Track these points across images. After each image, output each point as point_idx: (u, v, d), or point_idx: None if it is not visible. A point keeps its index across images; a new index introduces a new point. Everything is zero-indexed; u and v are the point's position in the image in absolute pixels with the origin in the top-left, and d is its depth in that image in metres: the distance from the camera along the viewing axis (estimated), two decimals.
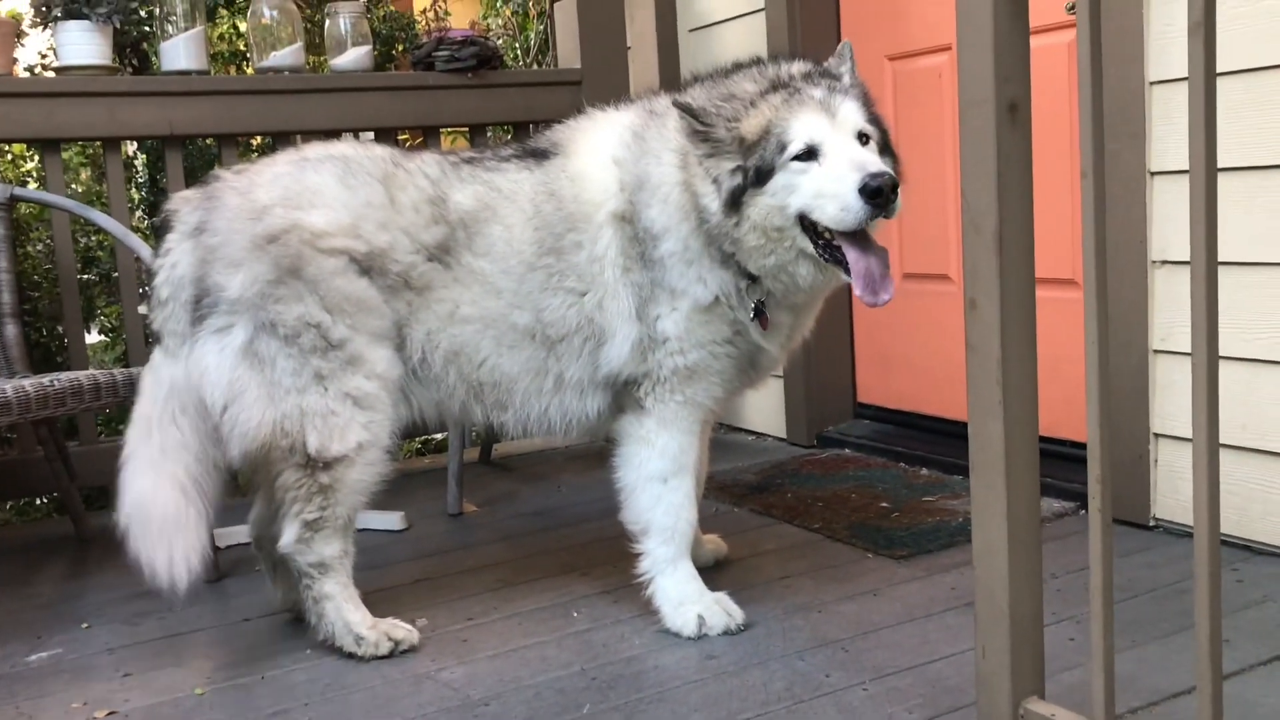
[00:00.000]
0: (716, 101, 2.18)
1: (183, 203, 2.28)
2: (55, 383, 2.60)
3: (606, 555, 2.71)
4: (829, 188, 2.04)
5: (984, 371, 1.52)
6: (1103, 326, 1.40)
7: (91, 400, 2.65)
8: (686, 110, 2.15)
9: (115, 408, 2.83)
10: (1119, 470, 2.74)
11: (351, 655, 2.25)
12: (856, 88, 2.22)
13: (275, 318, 2.15)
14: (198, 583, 2.72)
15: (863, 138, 2.11)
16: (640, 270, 2.24)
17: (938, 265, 3.46)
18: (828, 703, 1.95)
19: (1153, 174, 2.58)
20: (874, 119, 2.19)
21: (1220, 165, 2.33)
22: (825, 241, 2.11)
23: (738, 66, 2.29)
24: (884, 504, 3.05)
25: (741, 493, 3.26)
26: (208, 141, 4.59)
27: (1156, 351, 2.64)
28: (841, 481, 3.31)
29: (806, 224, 2.10)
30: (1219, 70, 2.34)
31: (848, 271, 2.09)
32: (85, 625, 2.56)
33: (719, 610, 2.28)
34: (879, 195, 1.97)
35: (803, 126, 2.08)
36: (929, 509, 2.98)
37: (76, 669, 2.32)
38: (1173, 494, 2.66)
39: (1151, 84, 2.56)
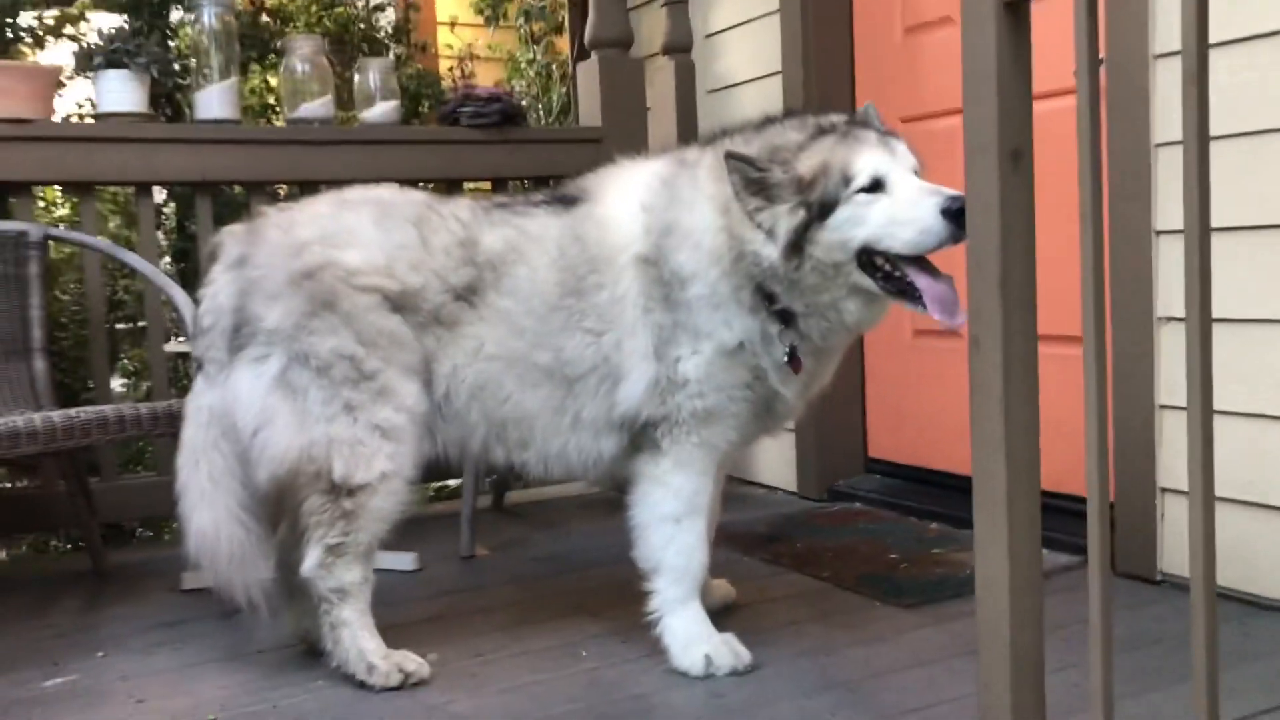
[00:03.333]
0: (764, 149, 2.24)
1: (229, 236, 2.40)
2: (81, 414, 2.66)
3: (616, 598, 2.73)
4: (905, 214, 2.11)
5: (987, 409, 1.57)
6: (1100, 365, 1.44)
7: (116, 432, 2.71)
8: (740, 158, 2.19)
9: (137, 440, 2.89)
10: (1126, 525, 2.76)
11: (363, 685, 2.27)
12: (896, 134, 2.31)
13: (309, 349, 2.24)
14: (212, 616, 2.80)
15: (916, 174, 2.20)
16: (662, 311, 2.28)
17: None
18: None
19: (1158, 233, 2.64)
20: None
21: (1224, 224, 2.42)
22: (885, 274, 2.18)
23: (770, 120, 2.35)
24: (893, 555, 3.08)
25: (751, 542, 3.29)
26: (236, 190, 4.70)
27: (1163, 407, 2.68)
28: (851, 533, 3.33)
29: (864, 259, 2.17)
30: (1220, 133, 2.42)
31: (913, 299, 2.16)
32: (100, 654, 2.59)
33: (726, 650, 2.30)
34: (961, 216, 1.90)
35: (867, 160, 2.15)
36: (937, 561, 3.00)
37: (91, 694, 2.35)
38: (1179, 549, 2.68)
39: (1157, 146, 2.63)
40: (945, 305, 2.14)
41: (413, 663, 2.31)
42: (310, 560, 2.27)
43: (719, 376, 2.29)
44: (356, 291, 2.26)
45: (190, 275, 4.97)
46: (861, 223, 2.13)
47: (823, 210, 2.15)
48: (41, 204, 5.29)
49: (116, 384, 5.26)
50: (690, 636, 2.32)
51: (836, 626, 2.57)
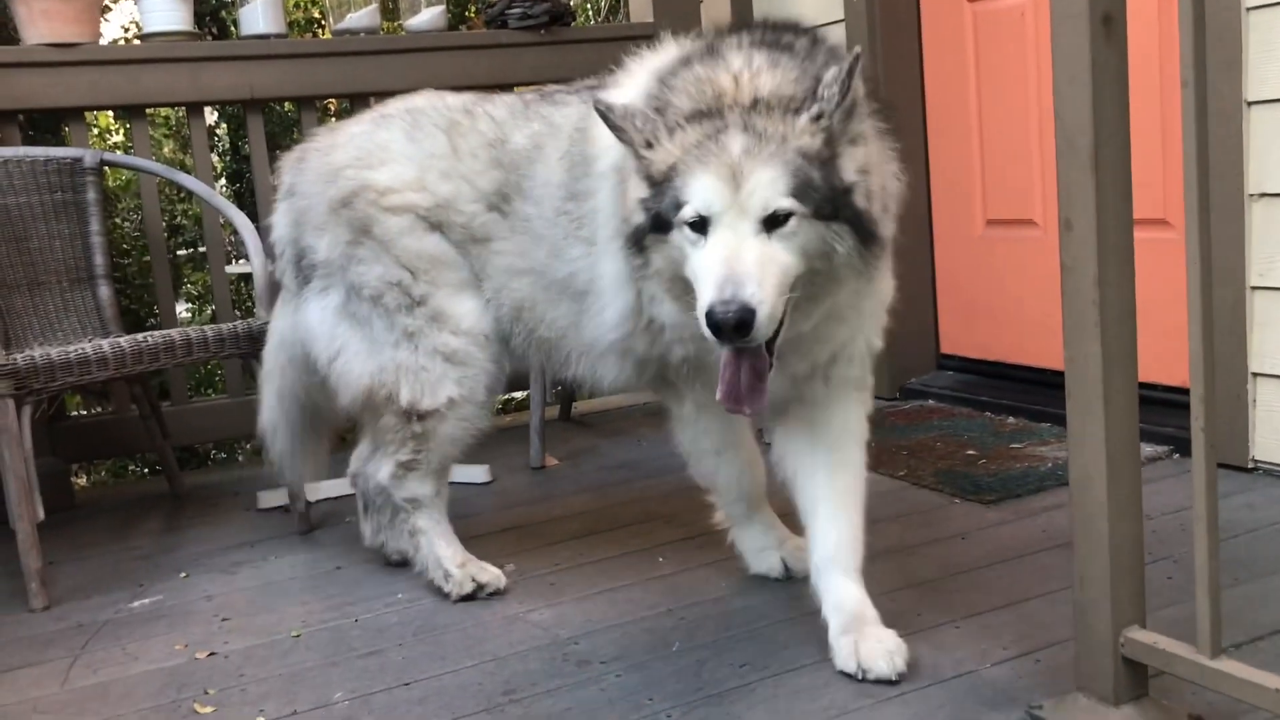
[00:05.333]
0: (648, 110, 1.80)
1: (284, 163, 2.37)
2: (148, 339, 2.66)
3: (689, 504, 2.69)
4: (698, 287, 1.70)
5: (1080, 292, 1.49)
6: (1206, 246, 1.36)
7: (183, 355, 2.70)
8: (603, 114, 1.81)
9: (206, 363, 2.89)
10: (1217, 411, 2.66)
11: (441, 593, 2.30)
12: (807, 136, 1.70)
13: (359, 279, 2.21)
14: (290, 534, 2.83)
15: (774, 220, 1.67)
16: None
17: (1022, 210, 3.39)
18: (920, 640, 1.93)
19: (1249, 104, 2.50)
20: (825, 178, 1.69)
21: None
22: None
23: (712, 50, 1.84)
24: (970, 451, 3.01)
25: None
26: (287, 107, 4.65)
27: (1254, 288, 2.56)
28: (926, 431, 3.27)
29: None
30: None
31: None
32: (183, 575, 2.62)
33: (802, 556, 2.25)
34: (719, 332, 1.62)
35: (700, 190, 1.69)
36: (1016, 455, 2.93)
37: (177, 614, 2.39)
38: (1273, 434, 2.59)
39: (1248, 10, 2.47)
40: (731, 390, 1.73)
41: (487, 574, 2.32)
42: (384, 471, 2.31)
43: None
44: (388, 213, 2.19)
45: (246, 196, 4.96)
46: (687, 259, 1.74)
47: (658, 224, 1.77)
48: (95, 131, 5.29)
49: (181, 309, 5.30)
50: (763, 544, 2.28)
51: (915, 525, 2.52)
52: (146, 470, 4.44)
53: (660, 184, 1.75)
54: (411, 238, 2.20)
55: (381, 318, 2.21)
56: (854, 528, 1.99)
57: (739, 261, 1.64)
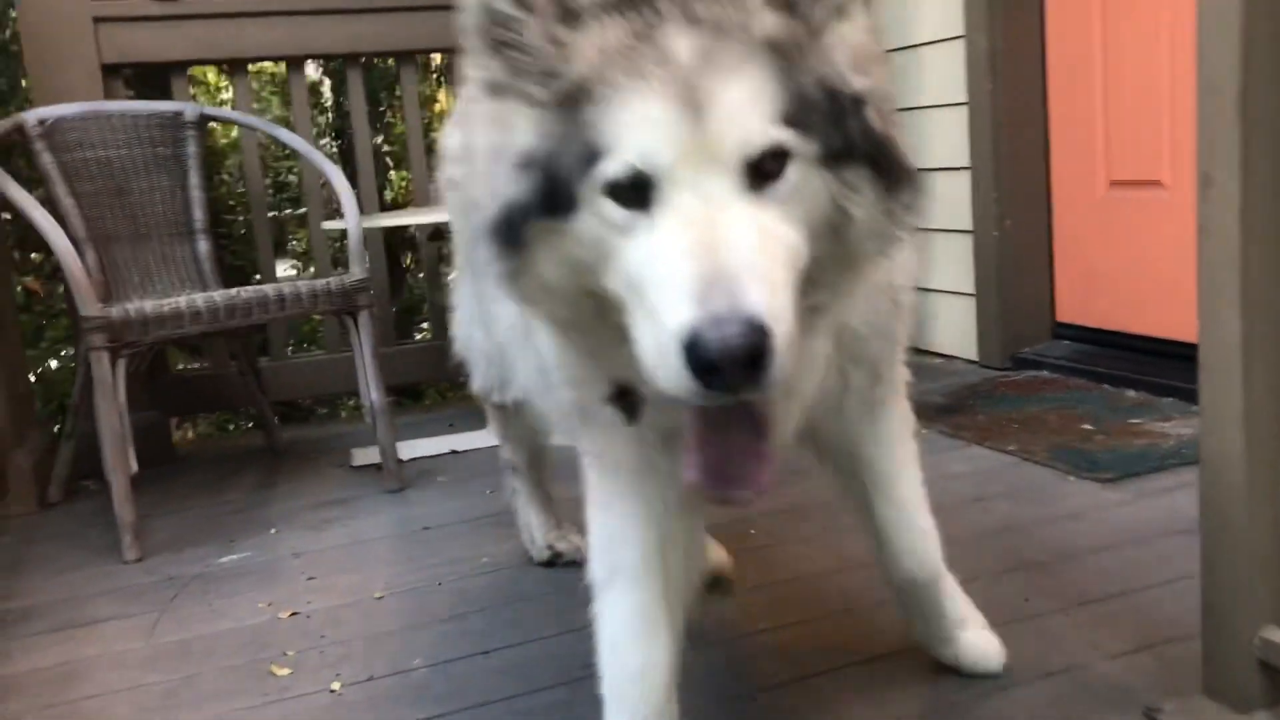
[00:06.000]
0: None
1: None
2: (242, 293, 2.65)
3: (784, 473, 2.60)
4: (642, 300, 1.02)
5: (1220, 256, 1.34)
6: None
7: (277, 310, 2.69)
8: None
9: (301, 318, 2.88)
10: None
11: (527, 556, 2.29)
12: (773, 15, 1.06)
13: (478, 263, 1.62)
14: (381, 492, 2.81)
15: (761, 170, 1.03)
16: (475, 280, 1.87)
17: (1148, 170, 3.17)
18: (1027, 628, 1.81)
19: None
20: (821, 87, 1.06)
21: None
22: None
23: None
24: (1086, 426, 2.84)
25: (929, 414, 3.09)
26: (389, 63, 4.63)
27: None
28: (1038, 403, 3.10)
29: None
30: None
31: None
32: (274, 530, 2.62)
33: None
34: (712, 374, 0.96)
35: (635, 129, 1.02)
36: (1136, 431, 2.75)
37: (264, 571, 2.38)
38: None
39: None
40: (714, 472, 1.14)
41: (566, 543, 2.27)
42: (488, 431, 2.32)
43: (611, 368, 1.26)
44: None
45: (348, 152, 4.97)
46: (608, 255, 1.06)
47: (551, 199, 1.07)
48: (205, 88, 5.35)
49: (285, 268, 5.35)
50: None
51: (1026, 503, 2.38)
52: (250, 424, 4.49)
53: (552, 130, 1.06)
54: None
55: (464, 294, 2.10)
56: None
57: (725, 246, 0.99)
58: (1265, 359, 1.33)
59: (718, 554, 2.04)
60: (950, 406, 3.16)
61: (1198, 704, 1.47)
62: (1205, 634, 1.46)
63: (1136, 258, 3.25)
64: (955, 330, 3.77)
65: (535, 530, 2.28)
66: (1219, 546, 1.41)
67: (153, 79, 4.00)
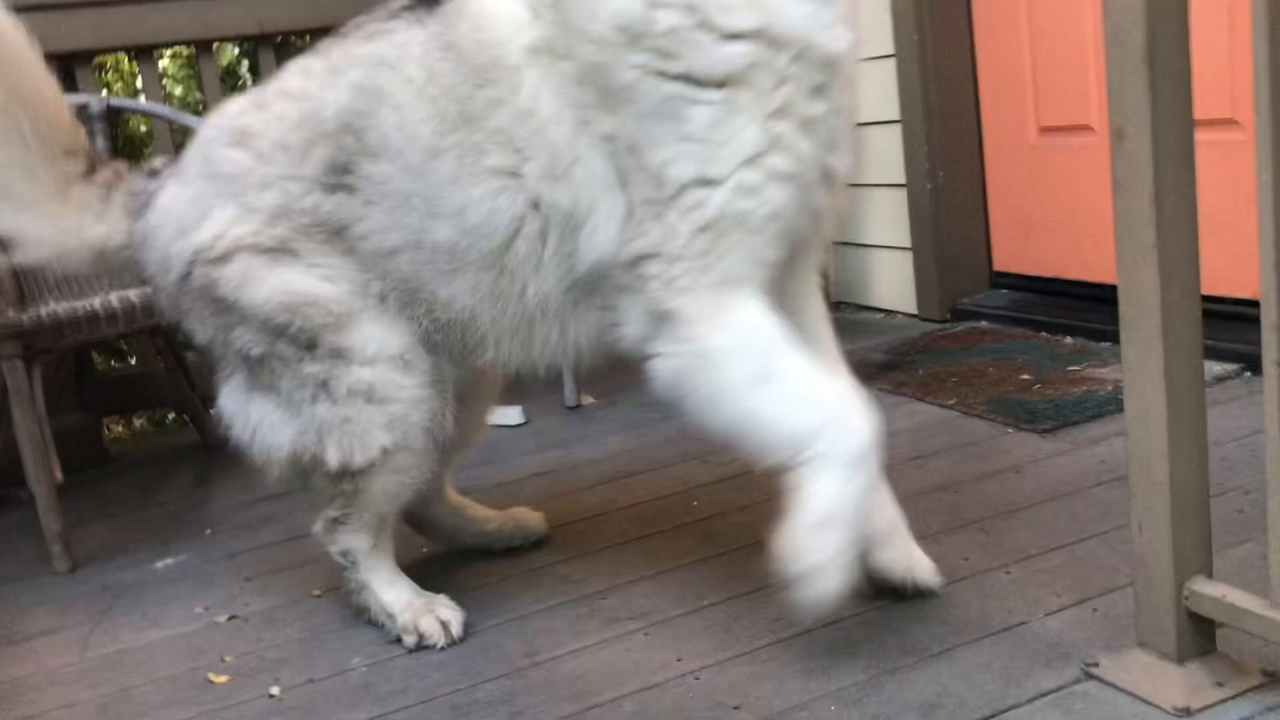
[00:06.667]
0: None
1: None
2: None
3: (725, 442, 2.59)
4: None
5: (1134, 211, 1.32)
6: (1277, 140, 1.19)
7: None
8: None
9: None
10: None
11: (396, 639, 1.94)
12: None
13: (245, 347, 1.83)
14: None
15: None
16: (607, 114, 1.59)
17: (1078, 115, 3.17)
18: (967, 588, 1.81)
19: None
20: None
21: None
22: None
23: None
24: (1025, 376, 2.85)
25: (870, 372, 3.09)
26: (307, 38, 4.52)
27: None
28: (978, 355, 3.10)
29: None
30: None
31: None
32: (209, 531, 2.57)
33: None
34: None
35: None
36: (1074, 379, 2.76)
37: (200, 575, 2.33)
38: None
39: None
40: None
41: (430, 621, 1.90)
42: (316, 525, 1.98)
43: (740, 153, 1.54)
44: (220, 265, 1.80)
45: None
46: None
47: None
48: (118, 73, 5.20)
49: None
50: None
51: (965, 458, 2.38)
52: (186, 422, 4.41)
53: None
54: (253, 286, 1.79)
55: (286, 373, 1.82)
56: None
57: None
58: (1183, 314, 1.32)
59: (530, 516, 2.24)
60: (890, 363, 3.16)
61: (1132, 657, 1.48)
62: (1137, 589, 1.46)
63: (1070, 203, 3.25)
64: (894, 284, 3.76)
65: (393, 607, 1.94)
66: (1146, 504, 1.40)
67: (59, 70, 3.87)
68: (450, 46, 1.67)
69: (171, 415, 4.50)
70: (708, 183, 1.55)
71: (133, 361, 3.70)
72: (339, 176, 1.75)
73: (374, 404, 1.81)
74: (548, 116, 1.62)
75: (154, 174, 1.97)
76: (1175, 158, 1.30)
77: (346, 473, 1.86)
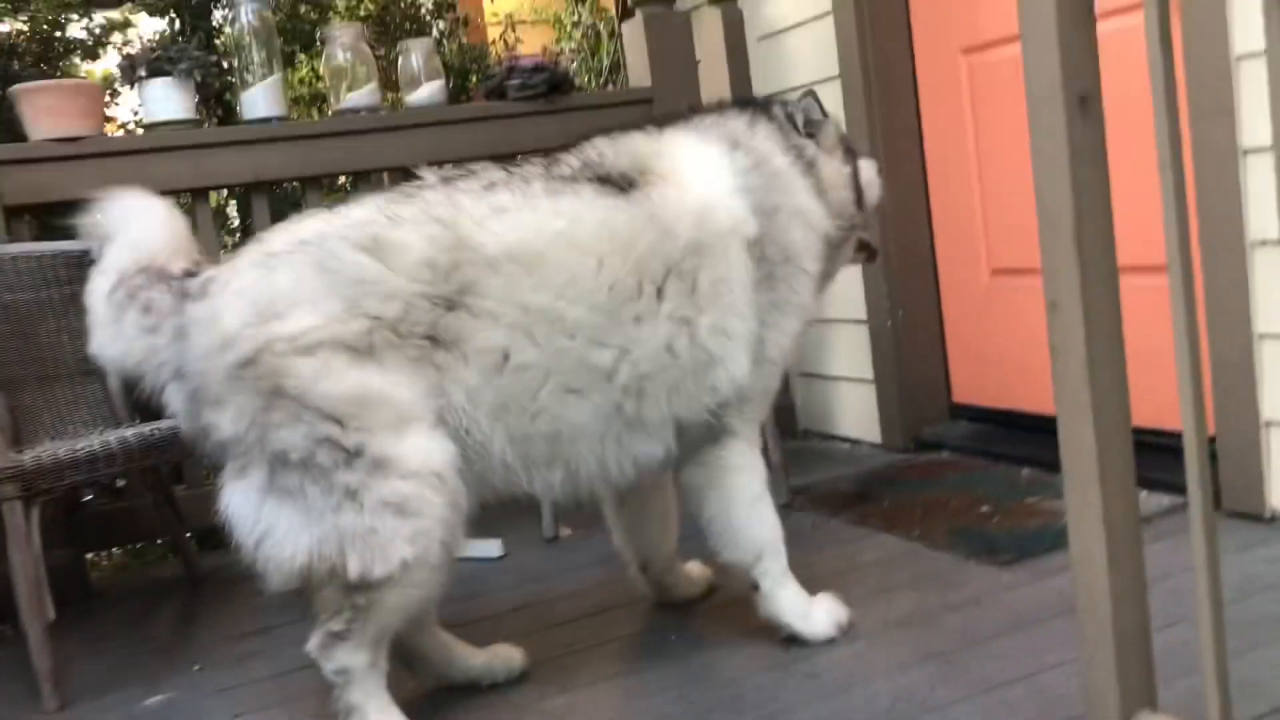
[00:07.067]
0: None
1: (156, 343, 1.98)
2: (156, 432, 2.67)
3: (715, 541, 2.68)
4: None
5: (1070, 374, 1.47)
6: (1190, 305, 1.35)
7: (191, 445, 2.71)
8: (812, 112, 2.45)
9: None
10: (1231, 461, 2.63)
11: None
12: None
13: (282, 445, 1.89)
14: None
15: None
16: (764, 291, 2.22)
17: (1026, 259, 3.35)
18: (935, 719, 1.90)
19: (1245, 151, 2.48)
20: None
21: None
22: None
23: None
24: (985, 508, 2.98)
25: (837, 503, 3.21)
26: (294, 185, 4.69)
27: (1262, 336, 2.53)
28: (940, 486, 3.24)
29: None
30: None
31: None
32: (197, 667, 2.62)
33: (837, 606, 2.33)
34: None
35: None
36: (1032, 511, 2.90)
37: (190, 711, 2.38)
38: None
39: (1238, 58, 2.46)
40: None
41: None
42: (312, 641, 2.01)
43: (793, 350, 2.34)
44: (302, 357, 1.88)
45: None
46: None
47: None
48: None
49: None
50: (806, 604, 2.30)
51: (930, 591, 2.49)
52: (167, 554, 4.44)
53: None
54: (332, 380, 1.88)
55: (317, 480, 1.88)
56: None
57: None
58: (1118, 467, 1.46)
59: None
60: (858, 494, 3.29)
61: None
62: (1089, 718, 1.56)
63: (1022, 339, 3.43)
64: (859, 415, 3.91)
65: None
66: (1093, 639, 1.52)
67: (59, 214, 4.02)
68: (663, 224, 2.12)
69: (150, 552, 4.53)
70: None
71: (121, 484, 3.75)
72: (470, 298, 1.97)
73: (402, 517, 1.90)
74: (737, 283, 2.18)
75: (190, 273, 1.99)
76: (1104, 325, 1.46)
77: (363, 584, 1.91)
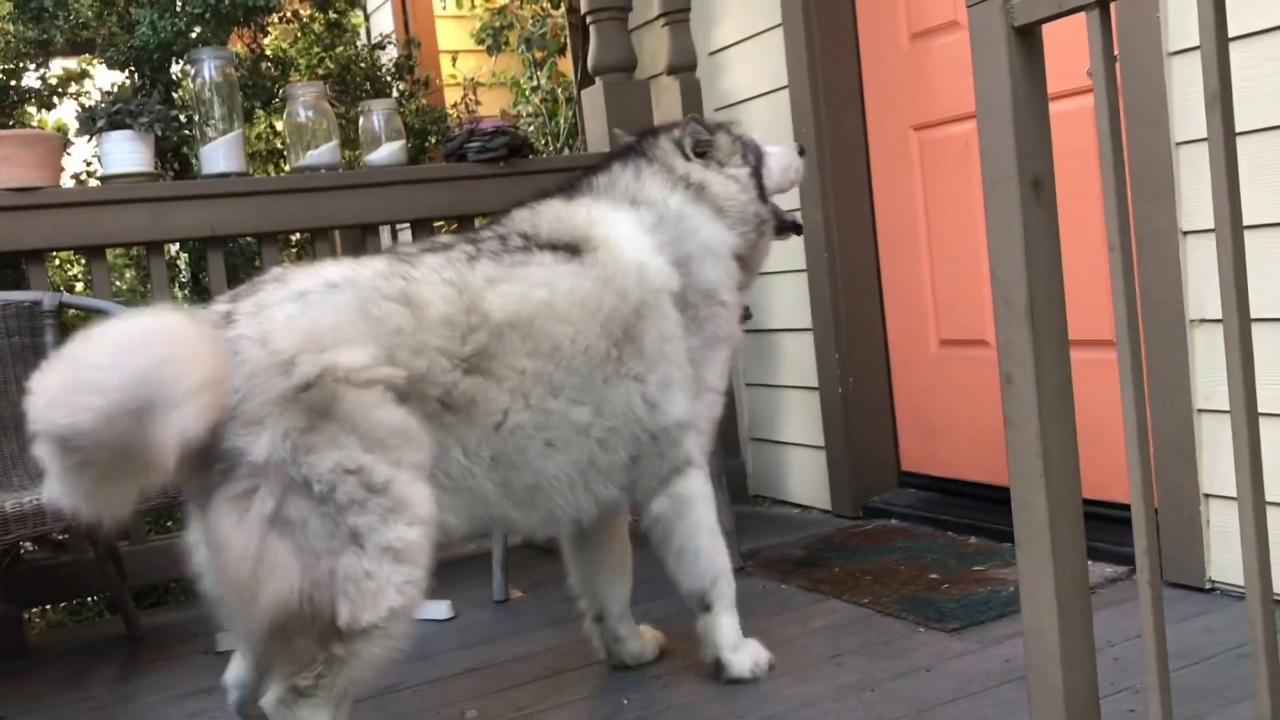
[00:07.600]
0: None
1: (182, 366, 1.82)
2: None
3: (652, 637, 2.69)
4: None
5: (1024, 446, 1.51)
6: (1139, 395, 1.40)
7: (140, 500, 2.67)
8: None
9: (162, 508, 2.86)
10: (1171, 533, 2.70)
11: None
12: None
13: (309, 472, 1.84)
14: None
15: None
16: (692, 335, 2.39)
17: (974, 331, 3.45)
18: None
19: (1185, 233, 2.58)
20: None
21: (1253, 222, 2.34)
22: None
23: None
24: (933, 575, 3.02)
25: (788, 568, 3.24)
26: (249, 240, 4.68)
27: (1201, 411, 2.61)
28: (889, 553, 3.28)
29: None
30: (1249, 129, 2.36)
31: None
32: None
33: (763, 651, 2.48)
34: None
35: None
36: (979, 578, 2.94)
37: None
38: (1227, 554, 2.61)
39: (1178, 144, 2.56)
40: None
41: None
42: (271, 694, 1.92)
43: (726, 375, 2.51)
44: (358, 388, 1.90)
45: None
46: None
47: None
48: (56, 262, 5.29)
49: None
50: (739, 638, 2.46)
51: (880, 657, 2.51)
52: (105, 611, 4.34)
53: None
54: (383, 410, 1.92)
55: (325, 517, 1.84)
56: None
57: None
58: (1068, 535, 1.50)
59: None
60: (808, 560, 3.31)
61: None
62: None
63: (970, 410, 3.50)
64: (808, 481, 3.95)
65: None
66: (1043, 705, 1.55)
67: (9, 264, 3.99)
68: (617, 288, 2.27)
69: (88, 609, 4.43)
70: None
71: (62, 538, 3.68)
72: (485, 361, 2.09)
73: (398, 563, 1.90)
74: (675, 336, 2.35)
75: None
76: (1056, 399, 1.51)
77: (347, 633, 1.85)
